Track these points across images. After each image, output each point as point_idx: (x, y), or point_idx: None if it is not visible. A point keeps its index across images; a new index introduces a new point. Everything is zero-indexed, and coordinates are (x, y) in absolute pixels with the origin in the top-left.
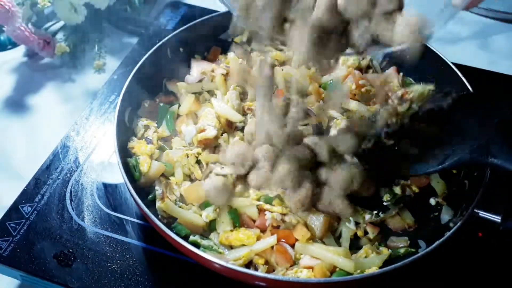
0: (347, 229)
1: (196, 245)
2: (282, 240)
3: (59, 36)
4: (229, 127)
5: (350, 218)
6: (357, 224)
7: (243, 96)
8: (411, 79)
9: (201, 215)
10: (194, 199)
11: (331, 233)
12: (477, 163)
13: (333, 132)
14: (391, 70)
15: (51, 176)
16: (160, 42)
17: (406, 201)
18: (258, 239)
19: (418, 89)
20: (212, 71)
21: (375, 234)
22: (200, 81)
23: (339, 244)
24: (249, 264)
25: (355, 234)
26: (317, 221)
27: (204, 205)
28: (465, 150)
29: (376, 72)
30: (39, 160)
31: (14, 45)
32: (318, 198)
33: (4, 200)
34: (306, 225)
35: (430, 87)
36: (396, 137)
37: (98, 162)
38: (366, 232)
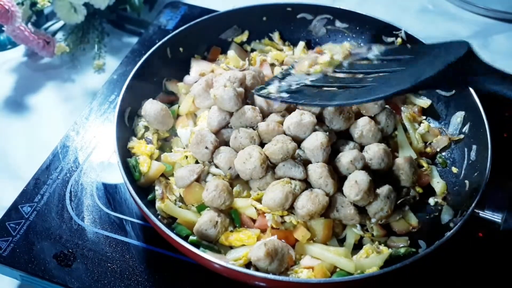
0: (353, 233)
1: (196, 245)
2: (282, 240)
3: (59, 36)
4: None
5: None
6: (362, 227)
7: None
8: None
9: (201, 215)
10: (194, 199)
11: (334, 236)
12: (454, 79)
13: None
14: None
15: (50, 176)
16: (160, 42)
17: (410, 203)
18: (258, 239)
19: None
20: (212, 71)
21: (380, 233)
22: None
23: (340, 245)
24: (249, 264)
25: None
26: (317, 225)
27: (201, 207)
28: (436, 68)
29: None
30: (38, 160)
31: (14, 45)
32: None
33: (4, 200)
34: (306, 225)
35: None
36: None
37: (98, 162)
38: (369, 230)
